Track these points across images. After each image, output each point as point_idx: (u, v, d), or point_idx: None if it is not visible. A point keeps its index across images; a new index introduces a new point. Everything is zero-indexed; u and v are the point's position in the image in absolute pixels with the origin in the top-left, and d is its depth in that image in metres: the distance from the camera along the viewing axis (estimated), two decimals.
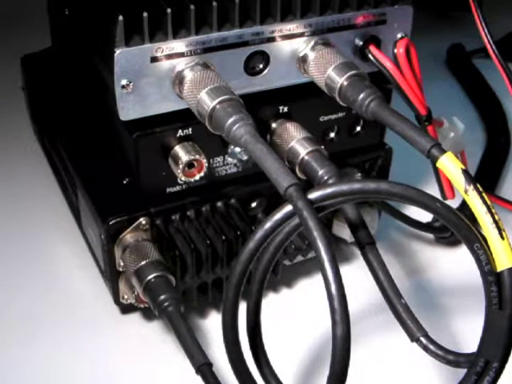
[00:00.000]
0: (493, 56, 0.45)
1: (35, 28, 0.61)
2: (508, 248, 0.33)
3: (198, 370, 0.39)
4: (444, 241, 0.55)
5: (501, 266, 0.34)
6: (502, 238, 0.33)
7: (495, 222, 0.34)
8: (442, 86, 0.74)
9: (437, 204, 0.35)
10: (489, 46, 0.45)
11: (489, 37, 0.45)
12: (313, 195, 0.36)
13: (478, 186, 0.35)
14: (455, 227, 0.35)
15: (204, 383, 0.38)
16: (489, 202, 0.34)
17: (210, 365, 0.39)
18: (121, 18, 0.38)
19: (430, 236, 0.55)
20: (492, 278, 0.34)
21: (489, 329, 0.34)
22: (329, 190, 0.36)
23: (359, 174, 0.50)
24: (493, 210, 0.34)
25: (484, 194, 0.34)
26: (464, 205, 0.51)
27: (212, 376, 0.38)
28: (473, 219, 0.35)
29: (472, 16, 0.45)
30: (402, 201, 0.36)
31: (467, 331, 0.47)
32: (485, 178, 0.61)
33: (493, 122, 0.68)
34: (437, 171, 0.48)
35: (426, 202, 0.35)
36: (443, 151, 0.36)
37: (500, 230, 0.33)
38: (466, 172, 0.35)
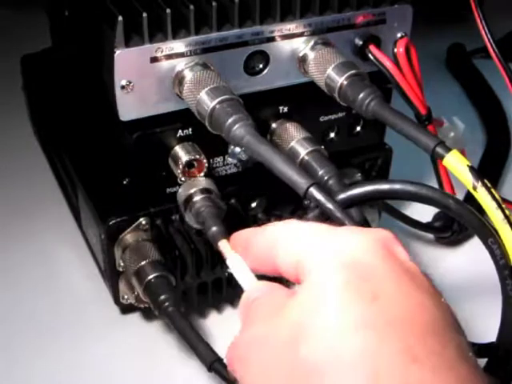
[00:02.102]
0: (493, 54, 0.45)
1: (35, 28, 0.61)
2: None
3: (211, 368, 0.38)
4: (444, 241, 0.55)
5: None
6: None
7: (506, 217, 0.33)
8: (442, 86, 0.74)
9: (449, 200, 0.34)
10: (489, 45, 0.45)
11: (489, 35, 0.45)
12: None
13: (486, 181, 0.34)
14: (468, 223, 0.34)
15: (220, 379, 0.38)
16: (498, 198, 0.34)
17: (221, 360, 0.38)
18: (120, 18, 0.38)
19: (430, 236, 0.55)
20: (507, 271, 0.33)
21: (506, 322, 0.34)
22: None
23: (359, 174, 0.50)
24: (503, 205, 0.34)
25: (493, 190, 0.34)
26: (467, 201, 0.51)
27: (226, 370, 0.37)
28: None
29: (472, 16, 0.45)
30: (413, 199, 0.36)
31: (467, 331, 0.47)
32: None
33: (493, 122, 0.68)
34: (437, 170, 0.48)
35: (438, 198, 0.35)
36: (448, 149, 0.36)
37: (511, 224, 0.33)
38: (472, 168, 0.35)
